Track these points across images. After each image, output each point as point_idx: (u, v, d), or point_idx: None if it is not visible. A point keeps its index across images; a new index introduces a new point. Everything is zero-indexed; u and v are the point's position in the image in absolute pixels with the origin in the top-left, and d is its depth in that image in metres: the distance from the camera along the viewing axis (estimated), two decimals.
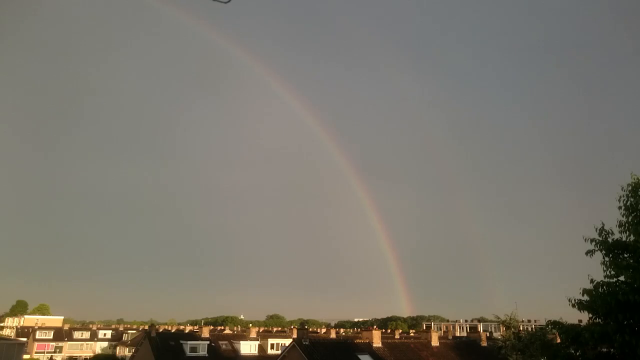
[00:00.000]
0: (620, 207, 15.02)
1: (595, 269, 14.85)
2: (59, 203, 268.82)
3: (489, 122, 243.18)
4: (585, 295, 14.56)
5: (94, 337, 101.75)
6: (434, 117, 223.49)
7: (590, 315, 14.80)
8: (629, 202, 14.89)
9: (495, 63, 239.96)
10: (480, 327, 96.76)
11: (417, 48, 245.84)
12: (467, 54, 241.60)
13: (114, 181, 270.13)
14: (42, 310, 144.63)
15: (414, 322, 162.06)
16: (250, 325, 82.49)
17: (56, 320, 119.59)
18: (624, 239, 14.77)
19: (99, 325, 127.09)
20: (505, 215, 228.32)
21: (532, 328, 64.39)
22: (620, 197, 15.07)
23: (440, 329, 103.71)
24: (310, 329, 64.51)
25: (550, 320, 16.53)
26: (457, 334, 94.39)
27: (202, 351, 50.76)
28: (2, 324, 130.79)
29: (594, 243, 14.90)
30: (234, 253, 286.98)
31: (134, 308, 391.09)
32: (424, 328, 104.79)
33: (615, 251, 14.73)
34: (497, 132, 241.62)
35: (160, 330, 71.44)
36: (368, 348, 37.32)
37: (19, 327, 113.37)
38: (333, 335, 68.79)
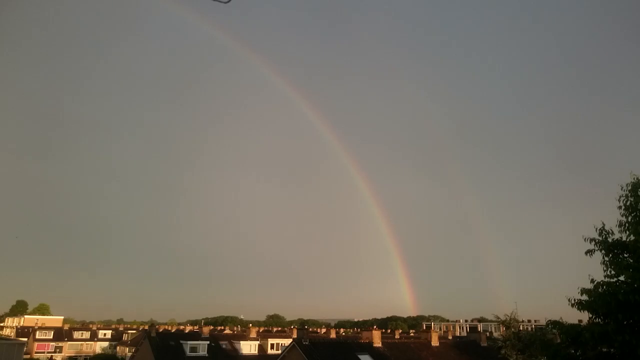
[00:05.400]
0: (620, 207, 14.99)
1: (595, 269, 14.86)
2: (59, 203, 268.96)
3: (492, 122, 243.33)
4: (584, 295, 14.56)
5: (94, 337, 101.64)
6: (440, 114, 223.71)
7: (590, 315, 14.78)
8: (628, 202, 14.85)
9: (498, 59, 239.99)
10: (480, 327, 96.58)
11: (421, 44, 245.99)
12: (470, 49, 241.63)
13: (113, 181, 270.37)
14: (42, 310, 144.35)
15: (414, 322, 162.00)
16: (250, 325, 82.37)
17: (56, 320, 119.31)
18: (624, 238, 14.76)
19: (99, 325, 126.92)
20: (506, 215, 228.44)
21: (532, 328, 64.45)
22: (620, 196, 15.05)
23: (440, 329, 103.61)
24: (310, 329, 64.50)
25: (550, 320, 16.49)
26: (457, 334, 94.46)
27: (202, 351, 50.74)
28: (2, 324, 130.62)
29: (593, 243, 14.90)
30: (234, 253, 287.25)
31: (134, 308, 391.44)
32: (424, 328, 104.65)
33: (615, 251, 14.72)
34: (499, 132, 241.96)
35: (160, 330, 71.41)
36: (368, 348, 37.30)
37: (19, 327, 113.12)
38: (333, 335, 68.81)
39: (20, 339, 74.19)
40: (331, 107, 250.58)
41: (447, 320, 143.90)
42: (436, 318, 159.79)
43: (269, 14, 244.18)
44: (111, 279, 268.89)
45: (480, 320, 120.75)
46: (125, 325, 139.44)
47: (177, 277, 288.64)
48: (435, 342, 41.77)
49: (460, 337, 64.75)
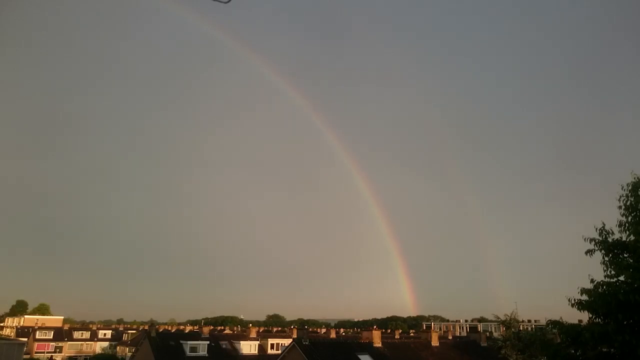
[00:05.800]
0: (620, 207, 14.97)
1: (595, 269, 14.85)
2: (59, 203, 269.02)
3: (492, 122, 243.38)
4: (584, 295, 14.54)
5: (94, 337, 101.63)
6: (440, 115, 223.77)
7: (590, 315, 14.76)
8: (628, 202, 14.84)
9: (497, 59, 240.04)
10: (480, 327, 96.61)
11: (421, 45, 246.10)
12: (470, 50, 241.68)
13: (113, 181, 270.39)
14: (42, 310, 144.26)
15: (414, 322, 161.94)
16: (250, 325, 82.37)
17: (56, 320, 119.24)
18: (624, 238, 14.74)
19: (99, 325, 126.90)
20: (506, 215, 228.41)
21: (532, 328, 64.41)
22: (620, 196, 15.03)
23: (440, 329, 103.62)
24: (310, 329, 64.57)
25: (550, 320, 16.47)
26: (457, 334, 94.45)
27: (202, 351, 50.71)
28: (2, 324, 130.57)
29: (593, 243, 14.88)
30: (234, 253, 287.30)
31: (134, 308, 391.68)
32: (424, 328, 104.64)
33: (615, 251, 14.70)
34: (499, 132, 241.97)
35: (160, 330, 71.37)
36: (368, 348, 37.30)
37: (19, 327, 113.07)
38: (333, 335, 68.91)
39: (20, 339, 74.23)
40: (331, 107, 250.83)
41: (447, 320, 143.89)
42: (436, 318, 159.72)
43: (269, 14, 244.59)
44: (111, 279, 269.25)
45: (480, 320, 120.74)
46: (125, 325, 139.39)
47: (177, 277, 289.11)
48: (435, 342, 41.79)
49: (460, 337, 64.75)
